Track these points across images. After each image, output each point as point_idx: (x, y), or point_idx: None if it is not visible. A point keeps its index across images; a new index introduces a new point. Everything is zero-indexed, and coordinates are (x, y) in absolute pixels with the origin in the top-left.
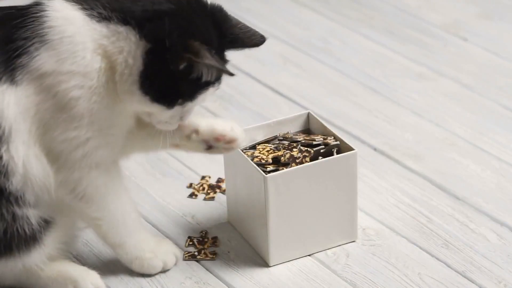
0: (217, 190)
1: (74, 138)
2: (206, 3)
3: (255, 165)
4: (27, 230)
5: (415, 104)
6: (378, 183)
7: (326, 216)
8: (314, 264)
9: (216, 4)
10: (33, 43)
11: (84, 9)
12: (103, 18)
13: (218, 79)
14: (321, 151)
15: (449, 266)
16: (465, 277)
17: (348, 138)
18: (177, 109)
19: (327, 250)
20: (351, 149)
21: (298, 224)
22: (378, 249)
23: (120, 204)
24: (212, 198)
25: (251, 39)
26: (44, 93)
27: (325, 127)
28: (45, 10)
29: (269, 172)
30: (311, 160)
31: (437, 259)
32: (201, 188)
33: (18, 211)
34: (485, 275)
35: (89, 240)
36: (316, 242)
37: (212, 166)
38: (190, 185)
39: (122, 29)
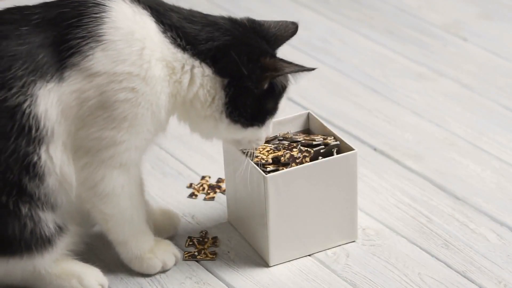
0: (217, 190)
1: (107, 138)
2: (245, 22)
3: (255, 165)
4: (47, 233)
5: (415, 104)
6: (378, 183)
7: (326, 216)
8: (314, 264)
9: (246, 17)
10: (88, 43)
11: (157, 23)
12: (177, 44)
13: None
14: (321, 151)
15: (449, 266)
16: (465, 277)
17: (348, 138)
18: (267, 123)
19: (327, 250)
20: (351, 149)
21: (298, 224)
22: (378, 249)
23: (131, 205)
24: (212, 198)
25: (287, 31)
26: (91, 91)
27: (325, 127)
28: (108, 11)
29: (269, 172)
30: (311, 160)
31: (437, 259)
32: (201, 188)
33: (41, 214)
34: (485, 275)
35: (89, 240)
36: (316, 242)
37: (212, 166)
38: (190, 185)
39: (197, 63)
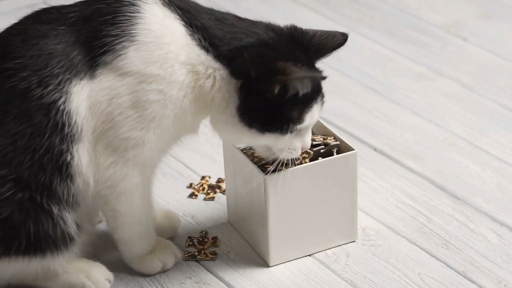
0: (217, 190)
1: (136, 138)
2: (282, 28)
3: (255, 165)
4: (72, 232)
5: (415, 104)
6: (378, 183)
7: (326, 216)
8: (314, 264)
9: (290, 24)
10: (122, 41)
11: (186, 26)
12: (202, 46)
13: (317, 92)
14: (321, 151)
15: (449, 266)
16: (465, 277)
17: (348, 138)
18: (293, 133)
19: (327, 250)
20: (351, 149)
21: (298, 224)
22: (378, 249)
23: (142, 205)
24: (212, 198)
25: (333, 41)
26: (122, 89)
27: (325, 127)
28: (141, 12)
29: (269, 172)
30: (310, 160)
31: (437, 259)
32: (201, 188)
33: (68, 215)
34: (485, 275)
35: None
36: (316, 242)
37: (212, 166)
38: (190, 185)
39: (217, 65)
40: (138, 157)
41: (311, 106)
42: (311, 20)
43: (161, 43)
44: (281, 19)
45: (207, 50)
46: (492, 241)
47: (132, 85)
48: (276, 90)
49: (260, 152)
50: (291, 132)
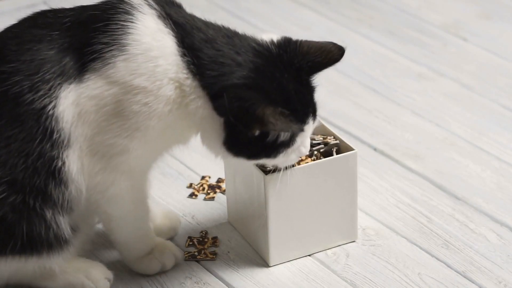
0: (217, 190)
1: (121, 145)
2: (271, 50)
3: (255, 165)
4: (66, 235)
5: (415, 104)
6: (378, 183)
7: (326, 216)
8: (314, 264)
9: (282, 39)
10: (111, 50)
11: (177, 43)
12: (190, 70)
13: (306, 114)
14: (321, 150)
15: (449, 266)
16: (465, 277)
17: (348, 138)
18: (288, 152)
19: (327, 250)
20: (351, 149)
21: (298, 224)
22: (378, 249)
23: (135, 210)
24: (212, 198)
25: (329, 57)
26: (108, 99)
27: (325, 127)
28: (134, 22)
29: (269, 172)
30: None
31: (437, 259)
32: (201, 188)
33: (61, 219)
34: (485, 275)
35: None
36: (316, 242)
37: (212, 166)
38: (190, 185)
39: (202, 94)
40: (125, 164)
41: (302, 131)
42: (311, 20)
43: (150, 56)
44: (281, 19)
45: (194, 75)
46: (492, 241)
47: (118, 95)
48: (256, 134)
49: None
50: (281, 154)
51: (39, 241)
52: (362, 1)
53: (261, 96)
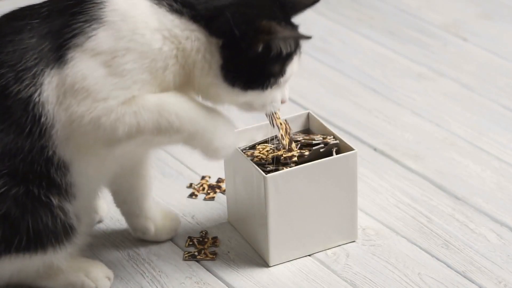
0: (217, 190)
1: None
2: None
3: (255, 165)
4: (73, 224)
5: (415, 104)
6: (378, 183)
7: (326, 216)
8: (314, 264)
9: None
10: (91, 25)
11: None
12: (174, 10)
13: (297, 46)
14: (321, 150)
15: (449, 266)
16: (465, 277)
17: (348, 138)
18: (276, 86)
19: (327, 250)
20: (351, 149)
21: (298, 224)
22: (378, 249)
23: (159, 99)
24: (212, 198)
25: None
26: (97, 66)
27: (325, 127)
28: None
29: (269, 172)
30: (310, 160)
31: (437, 259)
32: (201, 188)
33: (68, 205)
34: (485, 275)
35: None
36: (316, 242)
37: (212, 166)
38: (190, 185)
39: (194, 26)
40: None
41: (291, 59)
42: (311, 20)
43: (127, 17)
44: None
45: (180, 13)
46: (492, 241)
47: (107, 62)
48: (260, 49)
49: (243, 110)
50: (271, 87)
51: (45, 234)
52: (362, 1)
53: (263, 12)
